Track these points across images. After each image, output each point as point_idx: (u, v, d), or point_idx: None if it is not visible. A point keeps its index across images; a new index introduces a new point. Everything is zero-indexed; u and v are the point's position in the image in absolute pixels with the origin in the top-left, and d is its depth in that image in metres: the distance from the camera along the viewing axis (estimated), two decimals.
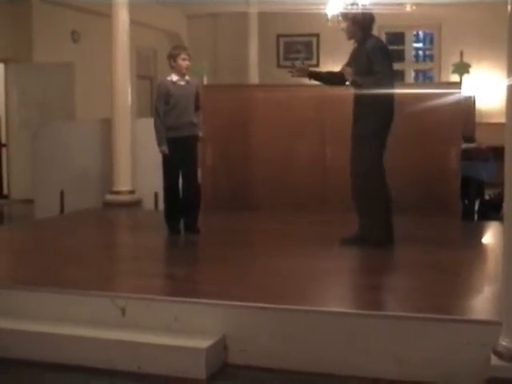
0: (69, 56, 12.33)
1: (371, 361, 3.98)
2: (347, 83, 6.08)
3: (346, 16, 6.06)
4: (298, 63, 6.15)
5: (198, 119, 6.81)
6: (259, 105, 8.42)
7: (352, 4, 6.16)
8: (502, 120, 3.65)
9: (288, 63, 15.35)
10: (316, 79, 6.24)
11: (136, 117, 10.87)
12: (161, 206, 7.71)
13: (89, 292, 4.62)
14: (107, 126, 9.22)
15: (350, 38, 6.05)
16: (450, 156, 7.79)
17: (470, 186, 8.32)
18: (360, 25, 5.97)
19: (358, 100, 5.99)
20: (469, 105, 10.55)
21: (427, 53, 16.22)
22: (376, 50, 5.88)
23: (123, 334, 4.28)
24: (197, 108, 6.80)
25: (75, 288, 4.71)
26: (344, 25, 6.05)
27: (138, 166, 9.10)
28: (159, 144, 6.62)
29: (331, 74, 6.31)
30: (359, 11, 6.05)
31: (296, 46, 15.68)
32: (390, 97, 5.96)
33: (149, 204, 9.02)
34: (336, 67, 6.21)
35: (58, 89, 11.96)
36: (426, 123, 7.80)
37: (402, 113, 7.59)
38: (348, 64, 6.01)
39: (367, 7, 6.23)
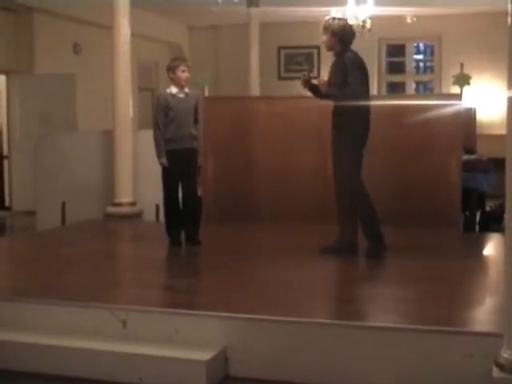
0: (70, 68, 12.36)
1: (371, 373, 3.97)
2: (323, 95, 6.16)
3: (326, 29, 6.14)
4: (303, 74, 6.20)
5: (197, 131, 6.81)
6: (260, 116, 8.43)
7: (333, 18, 6.24)
8: (503, 131, 3.65)
9: (289, 75, 15.51)
10: (312, 92, 6.29)
11: (137, 128, 10.88)
12: (162, 217, 7.71)
13: (90, 304, 4.62)
14: (109, 137, 9.23)
15: (328, 49, 6.15)
16: (450, 167, 7.79)
17: (471, 198, 8.32)
18: (339, 38, 6.06)
19: (335, 111, 6.10)
20: (469, 116, 10.59)
21: (428, 64, 16.26)
22: (353, 63, 5.97)
23: (124, 345, 4.27)
24: (196, 120, 6.81)
25: (76, 300, 4.70)
26: (324, 37, 6.12)
27: (139, 178, 9.10)
28: (158, 157, 6.62)
29: (322, 94, 6.34)
30: (340, 25, 6.11)
31: (297, 57, 15.71)
32: (366, 109, 6.04)
33: (150, 216, 9.02)
34: None
35: (59, 100, 11.99)
36: (427, 135, 7.81)
37: (403, 124, 7.64)
38: (328, 78, 6.09)
39: (348, 22, 6.31)
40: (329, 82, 6.10)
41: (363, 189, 6.06)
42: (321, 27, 6.19)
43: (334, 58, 6.17)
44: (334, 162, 6.19)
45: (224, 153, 8.46)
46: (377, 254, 5.99)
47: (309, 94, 6.37)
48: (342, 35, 6.07)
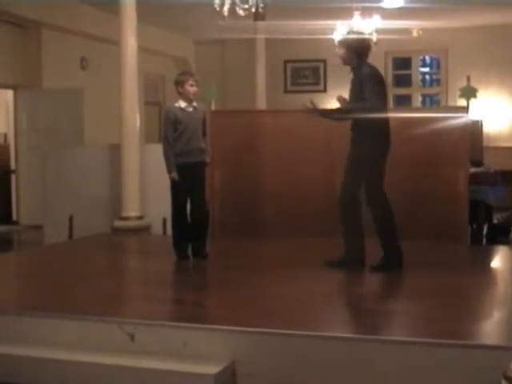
0: (78, 82, 12.44)
1: None
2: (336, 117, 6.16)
3: (342, 43, 6.15)
4: (307, 104, 6.15)
5: (205, 145, 6.84)
6: (267, 130, 8.45)
7: (348, 32, 6.25)
8: (510, 144, 3.67)
9: (296, 88, 15.56)
10: (327, 117, 6.28)
11: (144, 142, 10.91)
12: (169, 231, 7.72)
13: (97, 318, 4.62)
14: (116, 151, 9.26)
15: (345, 64, 6.14)
16: (457, 180, 7.79)
17: (478, 210, 8.31)
18: (355, 52, 6.05)
19: (354, 126, 6.08)
20: (476, 129, 10.60)
21: (434, 77, 16.30)
22: (368, 77, 5.95)
23: (132, 359, 4.27)
24: (203, 134, 6.83)
25: (84, 314, 4.71)
26: (340, 51, 6.13)
27: (147, 192, 9.12)
28: (169, 171, 6.62)
29: (338, 109, 6.32)
30: (355, 38, 6.13)
31: (303, 71, 15.76)
32: (385, 123, 6.02)
33: (157, 229, 9.03)
34: (343, 92, 6.25)
35: (67, 115, 12.05)
36: (434, 147, 7.81)
37: (410, 137, 7.65)
38: (349, 94, 6.09)
39: (364, 34, 6.30)
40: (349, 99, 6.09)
41: (387, 202, 6.06)
42: (336, 42, 6.18)
43: (351, 74, 6.15)
44: (345, 176, 6.14)
45: (231, 166, 8.47)
46: (387, 267, 5.98)
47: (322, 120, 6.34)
48: (358, 49, 6.06)
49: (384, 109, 6.09)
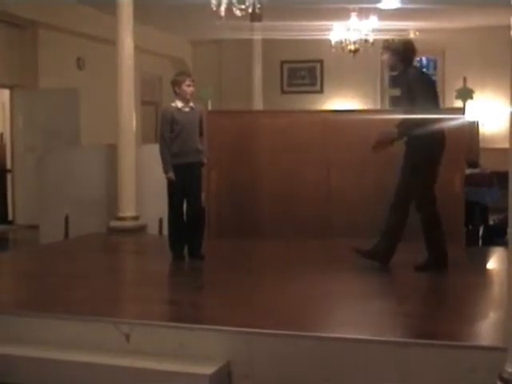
0: (74, 82, 12.43)
1: None
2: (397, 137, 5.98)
3: (387, 47, 6.05)
4: (373, 147, 5.99)
5: (202, 145, 6.83)
6: (263, 130, 8.44)
7: (393, 35, 6.15)
8: (506, 145, 3.66)
9: (292, 89, 15.56)
10: (391, 139, 6.03)
11: (140, 142, 10.90)
12: (165, 231, 7.71)
13: (93, 318, 4.62)
14: (112, 151, 9.25)
15: (391, 69, 6.04)
16: (454, 181, 7.78)
17: (474, 212, 8.32)
18: (401, 56, 5.96)
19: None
20: (472, 130, 10.59)
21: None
22: (417, 81, 5.85)
23: (127, 360, 4.26)
24: (200, 134, 6.83)
25: (79, 314, 4.70)
26: (385, 56, 6.05)
27: (143, 192, 9.11)
28: (166, 171, 6.62)
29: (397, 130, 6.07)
30: (400, 42, 6.05)
31: (300, 72, 15.76)
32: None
33: (153, 230, 9.02)
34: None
35: (63, 115, 12.03)
36: None
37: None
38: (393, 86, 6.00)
39: (408, 39, 6.20)
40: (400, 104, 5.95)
41: (435, 206, 6.02)
42: (382, 47, 6.06)
43: (394, 73, 6.02)
44: (400, 178, 6.03)
45: (227, 167, 8.46)
46: (430, 267, 5.96)
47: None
48: (404, 54, 5.96)
49: (436, 110, 5.98)
